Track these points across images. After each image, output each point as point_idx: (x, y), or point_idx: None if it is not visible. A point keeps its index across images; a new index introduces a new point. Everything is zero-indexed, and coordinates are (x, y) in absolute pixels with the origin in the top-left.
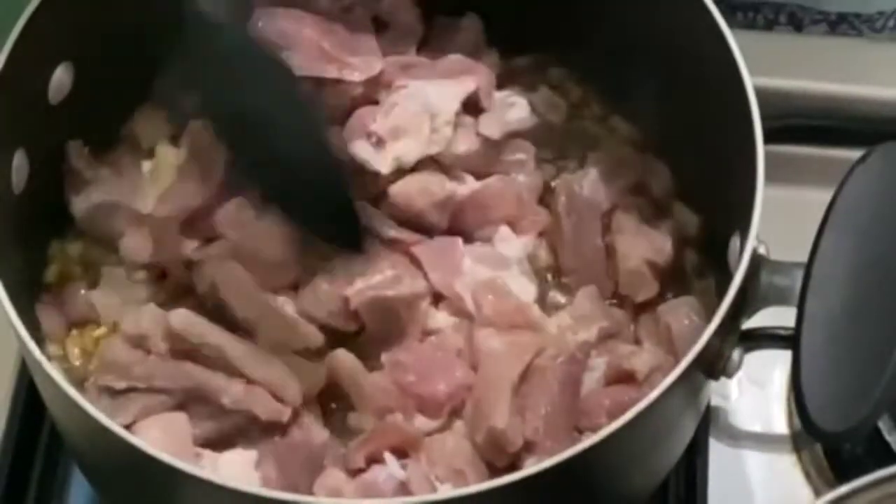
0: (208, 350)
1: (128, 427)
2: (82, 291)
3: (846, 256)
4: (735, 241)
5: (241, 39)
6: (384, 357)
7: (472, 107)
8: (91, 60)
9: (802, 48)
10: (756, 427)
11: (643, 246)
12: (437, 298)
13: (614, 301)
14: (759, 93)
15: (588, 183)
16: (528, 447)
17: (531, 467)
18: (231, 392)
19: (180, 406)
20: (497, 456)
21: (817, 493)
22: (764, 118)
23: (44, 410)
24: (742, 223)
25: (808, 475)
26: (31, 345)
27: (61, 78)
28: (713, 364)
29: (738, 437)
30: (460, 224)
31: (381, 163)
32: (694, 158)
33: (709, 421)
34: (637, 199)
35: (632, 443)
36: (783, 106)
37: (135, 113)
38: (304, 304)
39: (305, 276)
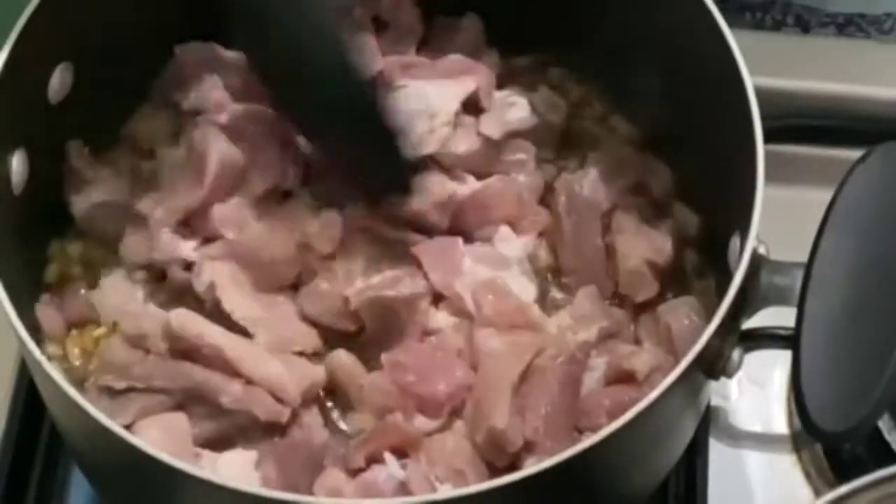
0: (208, 350)
1: (127, 427)
2: (82, 291)
3: (846, 256)
4: (735, 241)
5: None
6: (384, 357)
7: (472, 107)
8: (91, 60)
9: (808, 49)
10: (756, 427)
11: (643, 246)
12: (437, 298)
13: (614, 301)
14: (760, 93)
15: (588, 183)
16: (528, 447)
17: (531, 467)
18: (230, 392)
19: (180, 406)
20: (497, 456)
21: (817, 493)
22: (764, 118)
23: (44, 410)
24: (742, 223)
25: (808, 475)
26: (31, 345)
27: (61, 78)
28: (713, 364)
29: (738, 437)
30: (461, 224)
31: None
32: (694, 158)
33: (709, 421)
34: (637, 199)
35: (632, 443)
36: (783, 106)
37: (135, 113)
38: (304, 304)
39: (305, 276)
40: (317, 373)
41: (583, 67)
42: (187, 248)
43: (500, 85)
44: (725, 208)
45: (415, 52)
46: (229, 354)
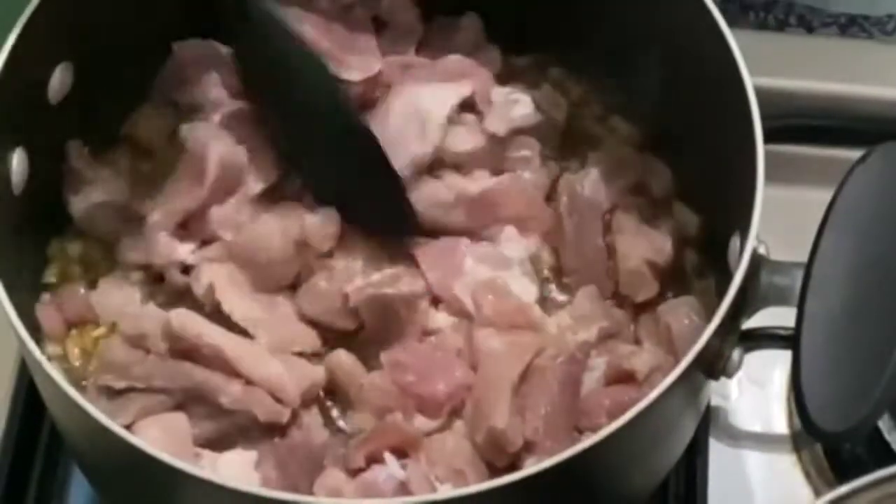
0: (207, 350)
1: (127, 427)
2: (81, 291)
3: (846, 256)
4: (735, 241)
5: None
6: (383, 357)
7: (473, 106)
8: (91, 60)
9: (810, 49)
10: (756, 427)
11: (643, 246)
12: (436, 299)
13: (614, 301)
14: (760, 93)
15: (589, 183)
16: (528, 447)
17: (531, 467)
18: (230, 392)
19: (179, 406)
20: (497, 456)
21: (817, 493)
22: (764, 118)
23: (44, 410)
24: (742, 223)
25: (808, 475)
26: (31, 345)
27: (61, 78)
28: (713, 364)
29: (738, 437)
30: (470, 221)
31: None
32: (694, 158)
33: (709, 421)
34: (637, 199)
35: (632, 443)
36: (783, 106)
37: (135, 113)
38: (302, 303)
39: (304, 275)
40: (317, 373)
41: (583, 67)
42: (185, 250)
43: (502, 82)
44: (725, 208)
45: (414, 52)
46: (229, 354)
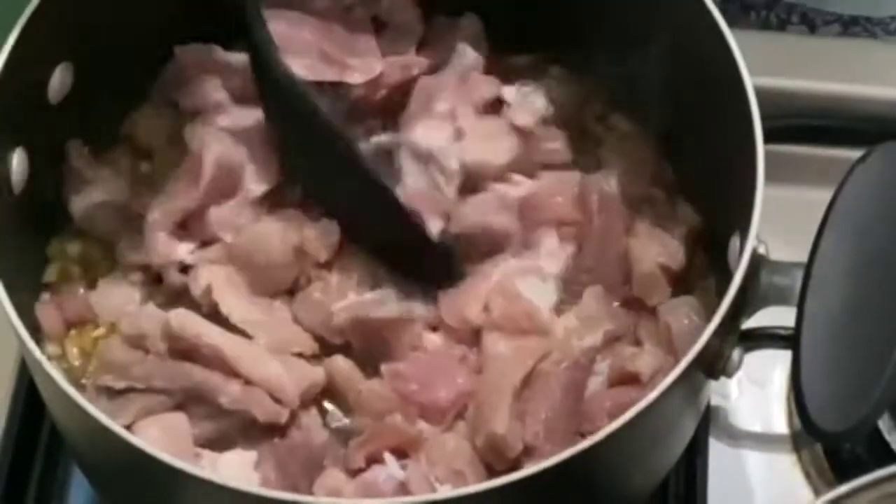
0: (207, 350)
1: (127, 427)
2: (81, 291)
3: (846, 256)
4: (735, 241)
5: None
6: (384, 368)
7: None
8: (91, 60)
9: (812, 48)
10: (756, 427)
11: (656, 249)
12: (435, 325)
13: (622, 303)
14: (760, 93)
15: (615, 181)
16: (528, 452)
17: (531, 467)
18: (229, 392)
19: (179, 406)
20: (496, 460)
21: (817, 493)
22: (764, 118)
23: (44, 410)
24: (742, 223)
25: (808, 475)
26: (31, 345)
27: (61, 78)
28: (713, 364)
29: (738, 437)
30: (517, 226)
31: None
32: (694, 158)
33: (709, 421)
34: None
35: (632, 443)
36: (783, 106)
37: (135, 113)
38: (297, 311)
39: (302, 281)
40: (316, 374)
41: (583, 67)
42: (184, 250)
43: (507, 80)
44: (725, 208)
45: (414, 52)
46: (228, 354)
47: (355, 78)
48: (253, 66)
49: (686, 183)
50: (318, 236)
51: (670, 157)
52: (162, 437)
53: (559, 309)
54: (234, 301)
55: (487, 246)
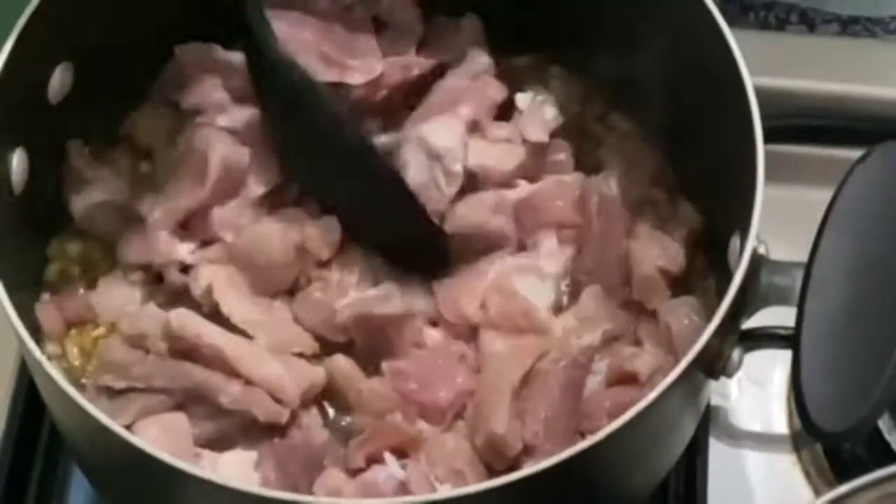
0: (207, 350)
1: (127, 427)
2: (81, 291)
3: (846, 256)
4: (735, 241)
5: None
6: (385, 365)
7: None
8: (91, 60)
9: (812, 48)
10: (756, 427)
11: (656, 253)
12: (435, 320)
13: (620, 304)
14: (760, 92)
15: (615, 183)
16: (528, 451)
17: (531, 467)
18: (229, 392)
19: (179, 406)
20: (496, 459)
21: (817, 492)
22: (764, 118)
23: (44, 410)
24: (742, 223)
25: (808, 475)
26: (31, 344)
27: (61, 78)
28: (713, 364)
29: (738, 437)
30: (514, 228)
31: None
32: (694, 158)
33: (709, 420)
34: (652, 199)
35: (632, 442)
36: (783, 106)
37: (135, 113)
38: (298, 311)
39: (302, 281)
40: (316, 373)
41: (583, 67)
42: (184, 250)
43: (517, 87)
44: (725, 208)
45: (414, 53)
46: (229, 354)
47: (355, 78)
48: (250, 65)
49: (686, 183)
50: (320, 234)
51: (670, 157)
52: (162, 437)
53: (557, 309)
54: (235, 301)
55: (483, 246)
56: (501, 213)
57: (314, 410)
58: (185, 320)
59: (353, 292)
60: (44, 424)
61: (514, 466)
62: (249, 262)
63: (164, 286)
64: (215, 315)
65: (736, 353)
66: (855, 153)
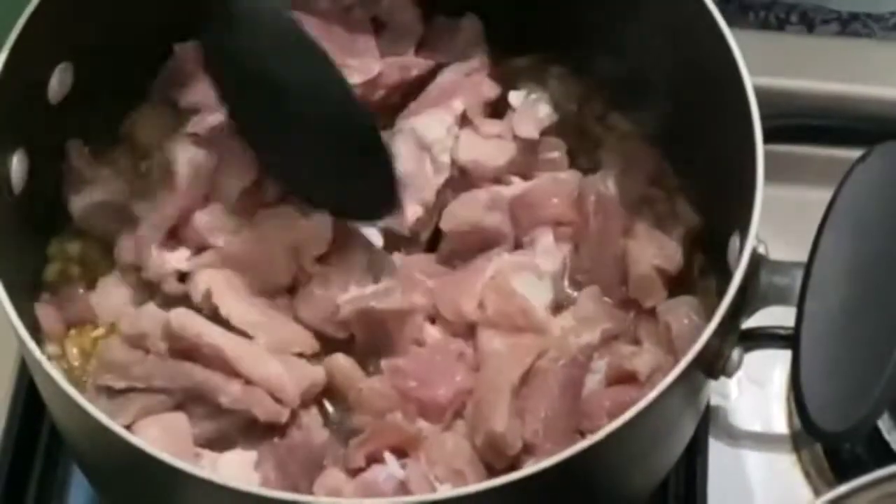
0: (207, 350)
1: (127, 427)
2: (81, 291)
3: (846, 256)
4: (735, 241)
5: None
6: (384, 363)
7: (491, 108)
8: (91, 60)
9: (811, 48)
10: (756, 427)
11: (653, 251)
12: (433, 316)
13: (618, 303)
14: (760, 92)
15: (612, 183)
16: (528, 449)
17: (531, 467)
18: (229, 392)
19: (179, 406)
20: (496, 458)
21: (817, 492)
22: (764, 118)
23: (44, 410)
24: (742, 223)
25: (807, 475)
26: (31, 344)
27: (61, 78)
28: (713, 363)
29: (738, 437)
30: (510, 225)
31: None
32: (694, 158)
33: (709, 420)
34: (653, 196)
35: (632, 442)
36: (783, 106)
37: (134, 113)
38: (298, 308)
39: (301, 280)
40: (316, 373)
41: (583, 67)
42: (178, 258)
43: (511, 85)
44: (725, 208)
45: (413, 53)
46: (229, 354)
47: (354, 78)
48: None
49: (686, 183)
50: (312, 232)
51: (670, 156)
52: (162, 437)
53: (556, 308)
54: (234, 303)
55: (479, 243)
56: (497, 210)
57: (314, 410)
58: (185, 320)
59: (353, 288)
60: (44, 424)
61: (513, 466)
62: (244, 264)
63: (162, 290)
64: (215, 317)
65: (736, 353)
66: (855, 153)
